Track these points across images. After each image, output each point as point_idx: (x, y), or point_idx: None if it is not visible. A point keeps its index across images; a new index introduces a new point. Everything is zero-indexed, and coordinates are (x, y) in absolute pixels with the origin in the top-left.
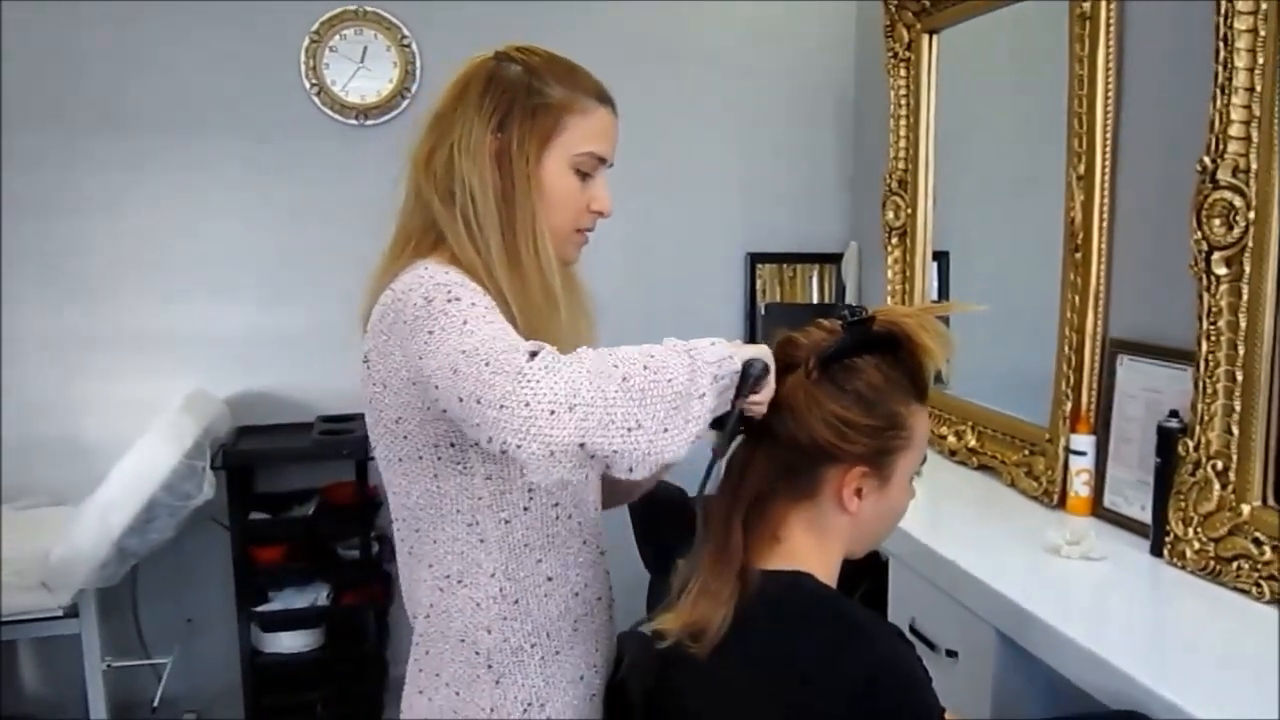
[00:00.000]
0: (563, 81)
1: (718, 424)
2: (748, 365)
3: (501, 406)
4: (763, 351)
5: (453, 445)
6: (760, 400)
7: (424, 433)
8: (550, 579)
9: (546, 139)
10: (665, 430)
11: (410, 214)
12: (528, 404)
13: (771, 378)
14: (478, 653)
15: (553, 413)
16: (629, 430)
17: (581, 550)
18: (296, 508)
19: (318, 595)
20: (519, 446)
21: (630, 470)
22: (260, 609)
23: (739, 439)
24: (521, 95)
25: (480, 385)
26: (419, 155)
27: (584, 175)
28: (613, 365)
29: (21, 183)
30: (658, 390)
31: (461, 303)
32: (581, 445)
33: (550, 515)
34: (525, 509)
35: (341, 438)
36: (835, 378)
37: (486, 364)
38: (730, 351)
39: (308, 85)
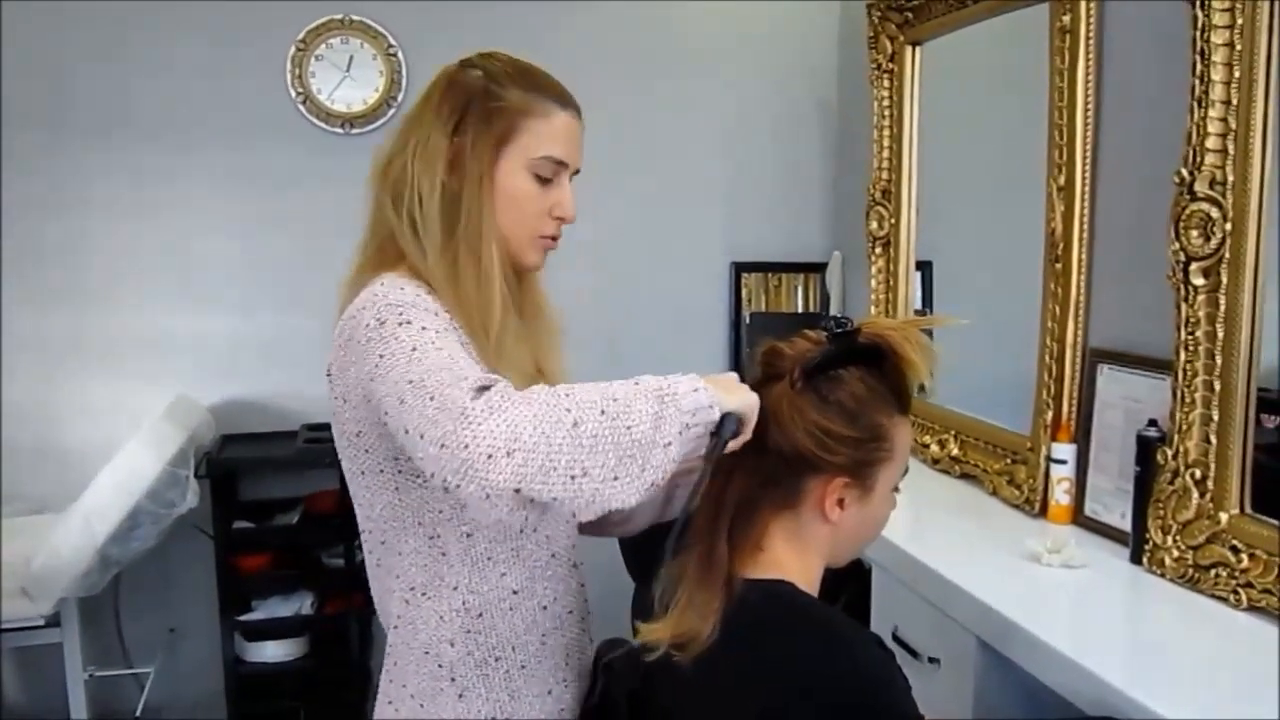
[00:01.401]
0: (521, 85)
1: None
2: (723, 422)
3: (442, 445)
4: (747, 402)
5: (411, 459)
6: (735, 444)
7: (384, 446)
8: (515, 592)
9: (503, 142)
10: (615, 479)
11: (373, 223)
12: (466, 446)
13: (751, 422)
14: (441, 665)
15: (490, 457)
16: (572, 478)
17: (550, 563)
18: (280, 516)
19: (301, 604)
20: (458, 486)
21: (573, 516)
22: (243, 618)
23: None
24: (479, 99)
25: (424, 421)
26: (379, 161)
27: (544, 180)
28: (565, 409)
29: (7, 187)
30: (613, 437)
31: (412, 326)
32: (517, 490)
33: (514, 529)
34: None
35: (326, 446)
36: (819, 388)
37: (431, 398)
38: (711, 401)
39: (293, 94)
